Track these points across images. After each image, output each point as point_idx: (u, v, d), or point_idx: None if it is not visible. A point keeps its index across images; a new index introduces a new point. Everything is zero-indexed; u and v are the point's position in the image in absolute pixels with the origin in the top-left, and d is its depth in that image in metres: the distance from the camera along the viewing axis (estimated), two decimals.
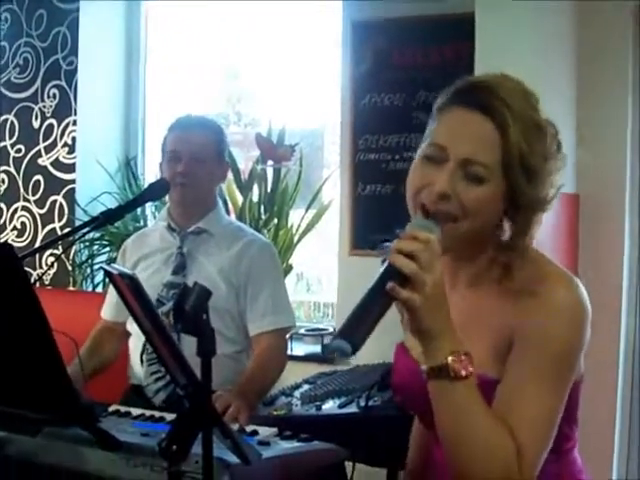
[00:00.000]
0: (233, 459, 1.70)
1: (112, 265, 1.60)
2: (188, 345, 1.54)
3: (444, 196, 1.59)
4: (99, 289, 4.56)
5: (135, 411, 2.43)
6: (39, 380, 1.84)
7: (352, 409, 2.64)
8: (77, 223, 4.65)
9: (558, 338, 1.58)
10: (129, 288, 1.46)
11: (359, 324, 1.43)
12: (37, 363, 1.82)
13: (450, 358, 1.50)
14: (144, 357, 3.01)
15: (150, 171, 4.99)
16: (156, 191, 2.94)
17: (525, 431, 1.55)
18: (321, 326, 4.35)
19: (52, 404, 1.88)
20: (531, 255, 1.68)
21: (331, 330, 4.18)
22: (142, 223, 4.43)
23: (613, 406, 3.52)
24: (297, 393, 2.91)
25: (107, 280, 4.43)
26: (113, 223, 2.88)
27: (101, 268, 1.67)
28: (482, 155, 1.58)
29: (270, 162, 4.20)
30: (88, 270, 4.60)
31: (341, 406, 2.67)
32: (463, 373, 1.51)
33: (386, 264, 1.49)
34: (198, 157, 3.02)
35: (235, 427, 2.27)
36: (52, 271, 4.71)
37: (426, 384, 1.57)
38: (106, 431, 1.86)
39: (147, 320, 1.55)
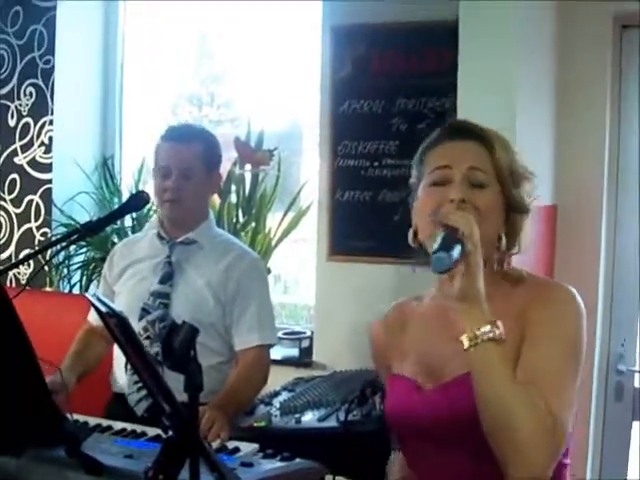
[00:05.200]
0: None
1: (98, 296, 1.61)
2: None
3: (462, 201, 1.80)
4: (76, 290, 4.55)
5: (116, 425, 2.44)
6: (24, 405, 1.85)
7: (331, 423, 2.67)
8: (54, 224, 4.65)
9: (571, 326, 1.79)
10: (117, 326, 1.47)
11: (451, 245, 1.63)
12: (22, 389, 1.83)
13: (491, 322, 1.68)
14: (128, 366, 3.01)
15: (127, 170, 4.98)
16: (135, 204, 2.93)
17: (553, 396, 1.68)
18: (298, 328, 4.35)
19: (36, 428, 1.89)
20: (526, 271, 1.93)
21: (309, 333, 4.20)
22: (119, 224, 4.42)
23: (587, 407, 3.55)
24: (276, 402, 2.94)
25: (84, 281, 4.45)
26: (92, 236, 2.86)
27: (89, 302, 1.67)
28: (481, 164, 1.86)
29: (248, 166, 4.19)
30: (65, 271, 4.57)
31: (321, 419, 2.70)
32: (503, 336, 1.68)
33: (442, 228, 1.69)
34: (186, 174, 3.00)
35: (217, 443, 2.31)
36: (28, 271, 4.70)
37: (425, 407, 1.81)
38: (90, 456, 1.87)
39: (134, 353, 1.56)
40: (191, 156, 3.03)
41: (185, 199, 3.02)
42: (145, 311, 2.99)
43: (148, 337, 2.95)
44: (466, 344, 1.68)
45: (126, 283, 3.12)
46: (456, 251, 1.63)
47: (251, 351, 2.98)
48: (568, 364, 1.76)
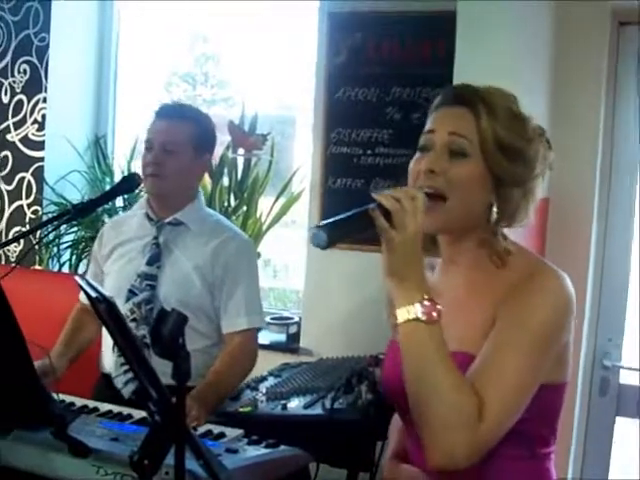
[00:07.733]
0: (203, 472, 1.72)
1: (87, 280, 1.61)
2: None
3: (431, 172, 1.76)
4: (65, 268, 4.54)
5: (103, 407, 2.44)
6: (10, 386, 1.85)
7: (317, 410, 2.66)
8: (45, 202, 4.64)
9: (540, 318, 1.69)
10: (106, 311, 1.47)
11: (339, 227, 1.63)
12: (8, 370, 1.83)
13: (420, 301, 1.65)
14: (115, 347, 3.00)
15: (119, 150, 4.97)
16: (127, 186, 2.92)
17: (492, 393, 1.64)
18: (287, 314, 4.36)
19: (23, 410, 1.89)
20: (522, 248, 1.87)
21: (296, 319, 4.20)
22: (110, 204, 4.41)
23: (572, 401, 3.56)
24: (262, 387, 2.93)
25: (74, 260, 4.44)
26: (84, 217, 2.85)
27: (78, 285, 1.67)
28: (464, 130, 1.78)
29: (241, 151, 4.19)
30: (55, 249, 4.57)
31: (306, 406, 2.70)
32: (433, 316, 1.65)
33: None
34: (167, 148, 2.95)
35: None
36: (18, 249, 4.69)
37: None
38: (76, 438, 1.87)
39: (122, 339, 1.56)
40: (176, 132, 2.98)
41: (166, 174, 2.96)
42: (132, 293, 2.97)
43: (134, 319, 2.93)
44: (398, 319, 1.67)
45: (114, 264, 3.10)
46: (339, 231, 1.62)
47: (238, 335, 2.98)
48: (524, 359, 1.67)
